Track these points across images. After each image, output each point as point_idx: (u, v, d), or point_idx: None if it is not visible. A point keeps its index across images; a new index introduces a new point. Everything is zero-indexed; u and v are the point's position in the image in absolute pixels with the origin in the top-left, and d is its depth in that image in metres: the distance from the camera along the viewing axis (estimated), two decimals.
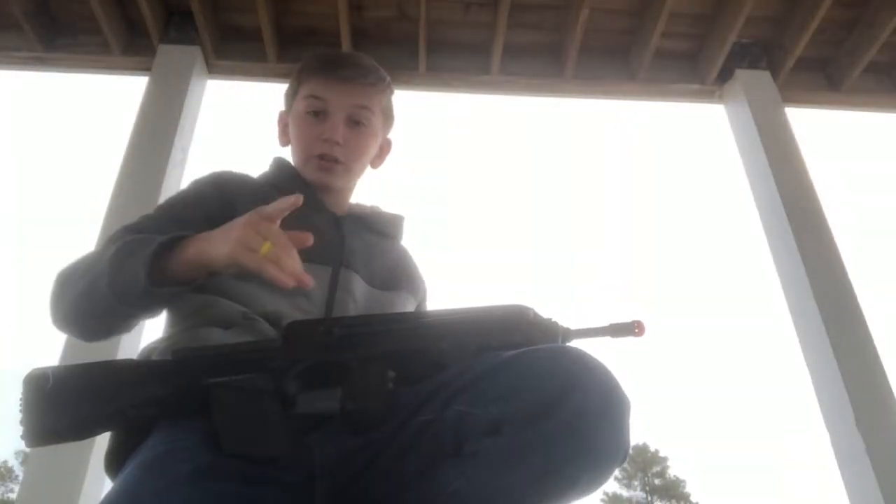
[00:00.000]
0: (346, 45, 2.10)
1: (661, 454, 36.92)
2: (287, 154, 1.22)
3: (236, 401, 0.72)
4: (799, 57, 2.21)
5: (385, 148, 1.26)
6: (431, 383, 0.78)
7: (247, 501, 0.70)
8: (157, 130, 1.96)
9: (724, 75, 2.25)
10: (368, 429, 0.78)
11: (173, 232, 0.94)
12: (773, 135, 2.13)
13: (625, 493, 35.61)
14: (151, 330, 1.67)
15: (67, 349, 1.58)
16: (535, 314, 0.85)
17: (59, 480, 1.47)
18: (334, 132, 1.12)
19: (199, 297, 0.94)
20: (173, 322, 0.96)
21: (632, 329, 0.86)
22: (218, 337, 0.88)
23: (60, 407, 0.75)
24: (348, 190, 1.21)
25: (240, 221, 0.82)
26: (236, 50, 2.19)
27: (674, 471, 36.65)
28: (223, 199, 1.03)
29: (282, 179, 1.14)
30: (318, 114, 1.15)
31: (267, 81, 2.19)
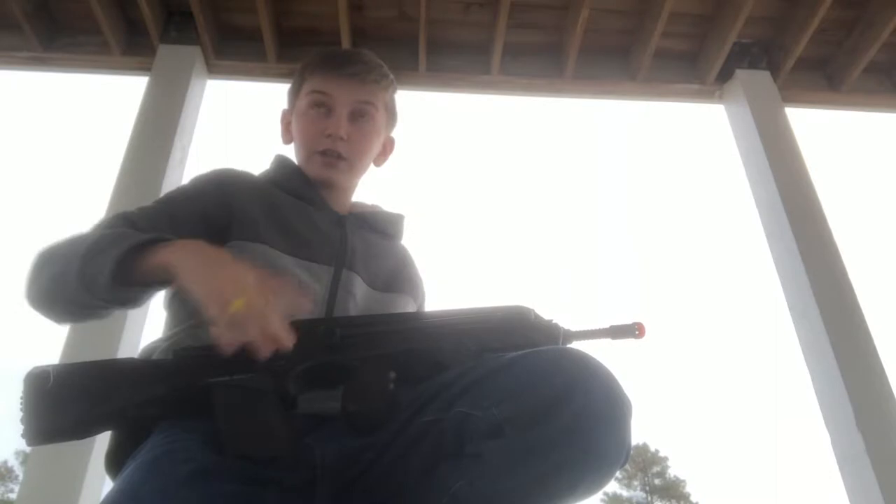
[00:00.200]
0: (346, 45, 2.10)
1: (661, 454, 36.95)
2: (290, 152, 1.22)
3: (237, 401, 0.72)
4: (799, 57, 2.21)
5: (388, 146, 1.26)
6: (433, 384, 0.78)
7: (247, 502, 0.70)
8: (157, 130, 1.96)
9: (724, 75, 2.25)
10: (369, 429, 0.78)
11: (164, 229, 0.94)
12: (773, 135, 2.13)
13: (625, 493, 35.63)
14: (152, 329, 1.68)
15: (68, 348, 1.59)
16: (536, 315, 0.85)
17: (59, 480, 1.47)
18: (338, 127, 1.12)
19: None
20: (174, 321, 0.96)
21: (632, 331, 0.86)
22: None
23: (61, 406, 0.75)
24: (351, 188, 1.20)
25: (228, 266, 0.80)
26: (236, 50, 2.19)
27: (674, 471, 36.68)
28: (223, 197, 1.03)
29: (284, 177, 1.13)
30: (321, 109, 1.14)
31: (267, 81, 2.19)
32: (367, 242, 1.10)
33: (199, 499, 0.67)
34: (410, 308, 1.11)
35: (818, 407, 1.81)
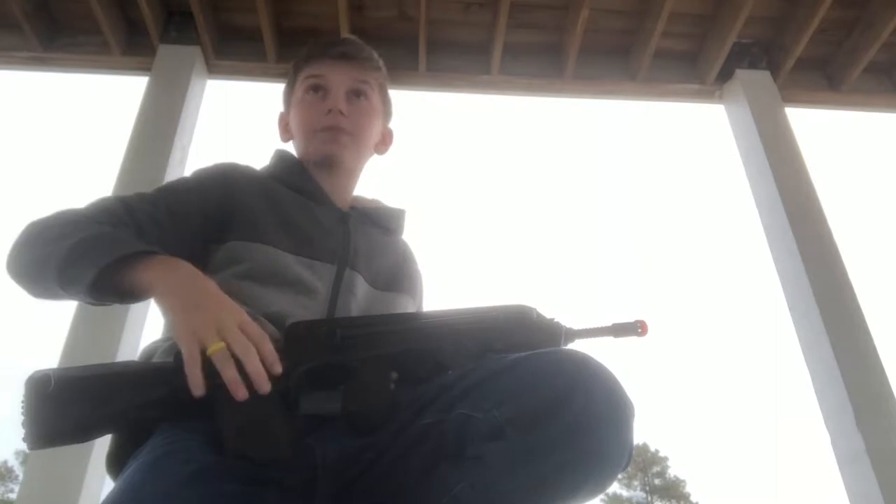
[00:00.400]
0: None
1: (661, 454, 36.94)
2: (290, 149, 1.21)
3: (238, 402, 0.72)
4: (799, 57, 2.21)
5: (388, 136, 1.26)
6: (434, 385, 0.78)
7: (248, 502, 0.70)
8: (157, 130, 1.96)
9: (724, 75, 2.25)
10: (370, 430, 0.78)
11: (161, 222, 0.94)
12: (773, 135, 2.13)
13: (625, 493, 35.62)
14: (152, 330, 1.68)
15: (68, 349, 1.59)
16: (538, 314, 0.85)
17: (59, 480, 1.47)
18: (336, 101, 1.13)
19: None
20: None
21: (635, 329, 0.86)
22: None
23: (62, 409, 0.74)
24: (353, 180, 1.19)
25: (212, 302, 0.78)
26: (236, 50, 2.19)
27: (674, 471, 36.67)
28: (224, 192, 1.02)
29: (284, 171, 1.12)
30: (318, 93, 1.15)
31: (267, 81, 2.19)
32: (370, 239, 1.10)
33: (200, 499, 0.67)
34: (410, 307, 1.11)
35: (818, 407, 1.81)
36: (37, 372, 0.76)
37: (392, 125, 1.27)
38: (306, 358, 0.81)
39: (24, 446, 0.75)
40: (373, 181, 1.26)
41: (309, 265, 0.98)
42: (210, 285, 0.81)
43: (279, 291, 0.93)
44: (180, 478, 0.68)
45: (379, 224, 1.15)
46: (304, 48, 1.24)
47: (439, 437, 0.72)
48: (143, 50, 2.12)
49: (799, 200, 2.02)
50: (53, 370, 0.76)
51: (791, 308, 1.95)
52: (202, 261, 0.95)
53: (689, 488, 35.98)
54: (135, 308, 1.67)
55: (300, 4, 2.14)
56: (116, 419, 0.76)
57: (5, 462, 32.36)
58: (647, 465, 35.99)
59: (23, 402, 0.74)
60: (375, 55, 1.22)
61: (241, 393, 0.72)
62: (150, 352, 0.91)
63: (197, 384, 0.72)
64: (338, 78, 1.16)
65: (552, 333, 0.84)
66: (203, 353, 0.73)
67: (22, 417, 0.73)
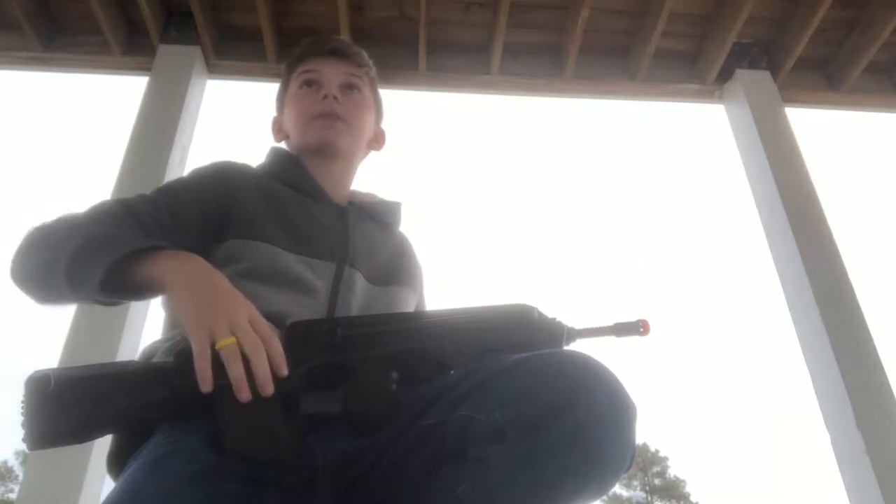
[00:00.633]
0: None
1: (661, 454, 36.94)
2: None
3: (239, 402, 0.72)
4: (799, 57, 2.21)
5: (380, 136, 1.27)
6: (436, 386, 0.78)
7: (249, 502, 0.70)
8: (157, 130, 1.96)
9: (724, 75, 2.25)
10: (371, 430, 0.77)
11: (164, 223, 0.94)
12: (773, 135, 2.13)
13: (625, 493, 35.61)
14: (152, 330, 1.68)
15: (68, 349, 1.58)
16: (540, 314, 0.85)
17: (59, 480, 1.47)
18: (330, 90, 1.15)
19: None
20: (174, 321, 0.95)
21: (637, 328, 0.85)
22: None
23: (62, 410, 0.74)
24: (349, 173, 1.19)
25: (223, 297, 0.77)
26: (236, 50, 2.19)
27: (674, 471, 36.67)
28: (223, 191, 1.02)
29: (281, 168, 1.13)
30: (312, 87, 1.17)
31: (267, 81, 2.19)
32: (368, 235, 1.10)
33: (201, 499, 0.67)
34: (410, 300, 1.11)
35: (818, 407, 1.81)
36: (37, 372, 0.76)
37: (384, 126, 1.28)
38: (307, 358, 0.81)
39: (24, 446, 0.75)
40: (373, 181, 1.26)
41: (308, 263, 0.98)
42: (222, 280, 0.80)
43: (279, 290, 0.93)
44: (182, 477, 0.68)
45: (376, 218, 1.15)
46: (297, 47, 1.25)
47: (441, 438, 0.72)
48: (143, 50, 2.12)
49: (799, 200, 2.02)
50: (53, 370, 0.76)
51: (791, 308, 1.95)
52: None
53: (689, 488, 36.01)
54: (135, 308, 1.67)
55: (300, 4, 2.14)
56: (117, 419, 0.76)
57: (5, 462, 32.39)
58: (647, 465, 35.99)
59: (22, 402, 0.74)
60: (364, 54, 1.24)
61: (244, 394, 0.70)
62: (151, 352, 0.91)
63: (205, 379, 0.70)
64: (331, 71, 1.18)
65: (554, 333, 0.84)
66: (212, 348, 0.72)
67: (22, 418, 0.73)
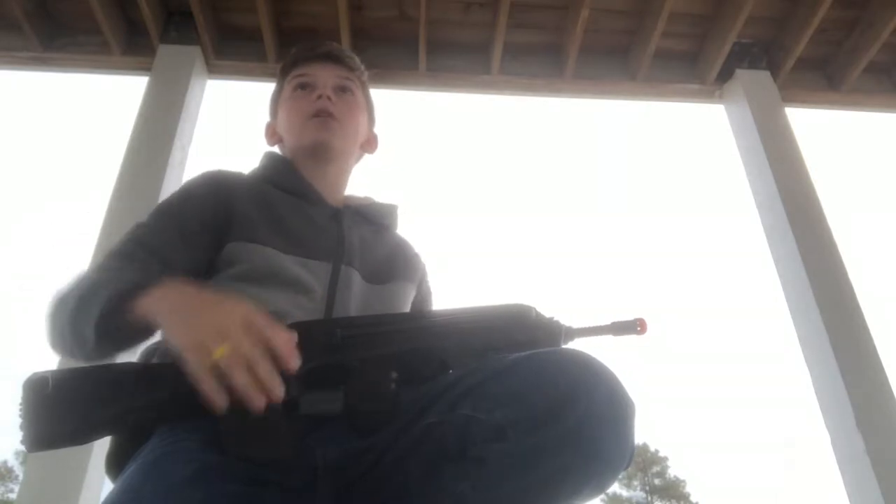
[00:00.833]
0: (346, 45, 2.09)
1: (661, 454, 36.95)
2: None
3: (238, 403, 0.72)
4: (799, 57, 2.21)
5: (373, 140, 1.28)
6: (436, 385, 0.78)
7: (249, 502, 0.70)
8: (157, 130, 1.96)
9: (724, 75, 2.25)
10: (371, 430, 0.77)
11: (176, 247, 0.95)
12: (773, 135, 2.13)
13: (625, 493, 35.63)
14: None
15: None
16: (538, 313, 0.85)
17: (59, 480, 1.47)
18: (324, 91, 1.17)
19: None
20: None
21: (634, 327, 0.86)
22: None
23: (60, 412, 0.74)
24: (344, 176, 1.21)
25: (210, 309, 0.73)
26: (236, 50, 2.19)
27: (674, 471, 36.68)
28: (217, 199, 1.02)
29: (276, 172, 1.13)
30: (306, 89, 1.19)
31: (267, 81, 2.19)
32: (363, 236, 1.10)
33: (201, 499, 0.67)
34: (408, 293, 1.11)
35: (818, 407, 1.81)
36: (35, 374, 0.76)
37: (378, 130, 1.30)
38: (306, 358, 0.81)
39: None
40: (372, 180, 1.27)
41: (304, 264, 0.98)
42: (207, 293, 0.78)
43: (276, 291, 0.93)
44: (181, 478, 0.68)
45: (372, 220, 1.16)
46: (289, 54, 1.27)
47: (441, 437, 0.72)
48: (143, 50, 2.12)
49: (799, 200, 2.02)
50: (52, 372, 0.76)
51: (791, 308, 1.95)
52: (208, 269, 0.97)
53: (689, 488, 36.02)
54: None
55: (300, 4, 2.14)
56: (116, 421, 0.76)
57: (5, 462, 32.39)
58: (647, 465, 36.00)
59: (21, 404, 0.74)
60: (357, 59, 1.26)
61: (257, 403, 0.67)
62: (150, 353, 0.91)
63: (216, 399, 0.67)
64: (324, 74, 1.20)
65: (552, 332, 0.84)
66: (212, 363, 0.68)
67: (20, 420, 0.73)
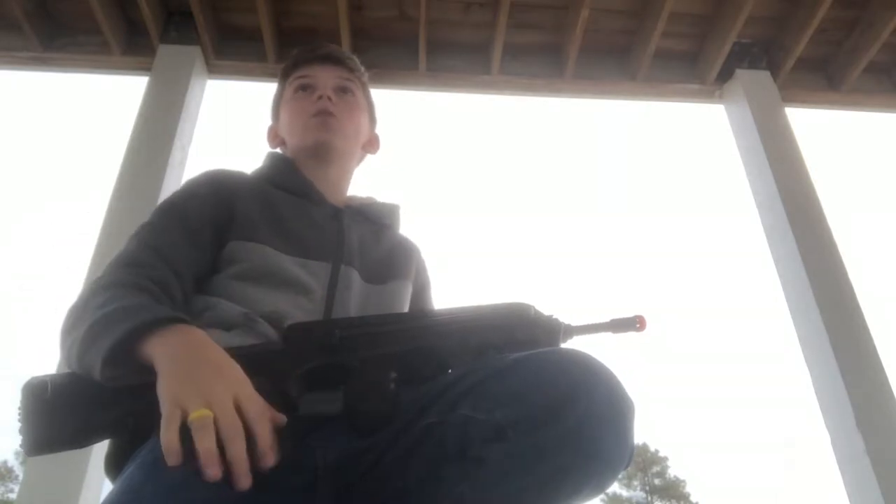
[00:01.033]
0: (346, 45, 2.10)
1: (661, 454, 36.96)
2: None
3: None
4: (799, 57, 2.21)
5: (374, 140, 1.29)
6: (435, 385, 0.78)
7: (248, 503, 0.69)
8: (157, 130, 1.96)
9: (724, 75, 2.25)
10: (371, 430, 0.77)
11: (184, 251, 0.94)
12: (773, 134, 2.13)
13: (625, 493, 35.63)
14: None
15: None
16: (536, 311, 0.85)
17: (59, 480, 1.47)
18: (325, 91, 1.18)
19: (200, 298, 0.94)
20: None
21: (633, 324, 0.85)
22: (219, 339, 0.88)
23: (59, 415, 0.74)
24: (345, 176, 1.21)
25: (207, 368, 0.70)
26: (236, 50, 2.19)
27: (674, 471, 36.69)
28: (218, 198, 1.02)
29: (278, 172, 1.14)
30: (307, 91, 1.19)
31: (267, 81, 2.19)
32: (363, 236, 1.10)
33: (201, 499, 0.67)
34: (407, 291, 1.11)
35: (818, 407, 1.81)
36: (34, 378, 0.75)
37: (378, 131, 1.30)
38: (305, 359, 0.81)
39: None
40: (372, 180, 1.27)
41: (304, 265, 0.98)
42: (214, 353, 0.74)
43: (276, 291, 0.93)
44: (181, 478, 0.68)
45: (373, 220, 1.16)
46: (290, 56, 1.27)
47: (441, 437, 0.72)
48: (143, 50, 2.12)
49: (799, 200, 2.02)
50: (51, 376, 0.76)
51: (791, 308, 1.95)
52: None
53: (689, 488, 36.02)
54: None
55: (300, 4, 2.14)
56: (115, 425, 0.76)
57: (5, 462, 32.39)
58: (647, 465, 36.01)
59: (20, 408, 0.74)
60: (357, 60, 1.27)
61: (212, 471, 0.61)
62: None
63: (171, 452, 0.62)
64: (325, 75, 1.20)
65: (552, 330, 0.84)
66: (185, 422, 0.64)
67: (19, 424, 0.73)
